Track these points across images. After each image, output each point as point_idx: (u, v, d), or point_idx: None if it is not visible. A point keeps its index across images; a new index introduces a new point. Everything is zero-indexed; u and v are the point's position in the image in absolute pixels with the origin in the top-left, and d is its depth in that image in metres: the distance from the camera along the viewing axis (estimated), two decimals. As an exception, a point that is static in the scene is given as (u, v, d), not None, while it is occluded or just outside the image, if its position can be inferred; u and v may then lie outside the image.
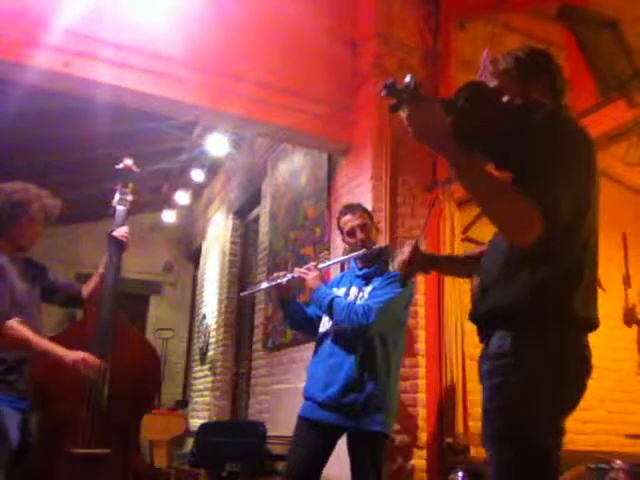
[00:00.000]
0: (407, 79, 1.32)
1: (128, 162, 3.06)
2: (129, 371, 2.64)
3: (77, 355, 2.50)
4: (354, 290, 2.76)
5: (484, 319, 1.50)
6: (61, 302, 2.96)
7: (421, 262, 1.78)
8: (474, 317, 1.54)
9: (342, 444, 2.64)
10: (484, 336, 1.50)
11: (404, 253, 1.76)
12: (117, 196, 3.02)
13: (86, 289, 2.91)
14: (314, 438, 2.60)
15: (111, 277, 2.82)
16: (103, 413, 2.56)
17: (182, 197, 7.92)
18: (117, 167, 3.05)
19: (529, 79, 1.52)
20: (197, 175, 7.18)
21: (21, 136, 5.51)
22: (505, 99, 1.43)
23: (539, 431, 1.38)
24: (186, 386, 8.80)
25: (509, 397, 1.38)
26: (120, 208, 2.99)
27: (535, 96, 1.51)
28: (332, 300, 2.63)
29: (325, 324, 2.78)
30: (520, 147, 1.36)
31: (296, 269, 2.82)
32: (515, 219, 1.32)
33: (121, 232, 2.90)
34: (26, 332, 2.48)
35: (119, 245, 2.89)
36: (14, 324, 2.47)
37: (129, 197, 3.03)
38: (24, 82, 3.51)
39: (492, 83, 1.53)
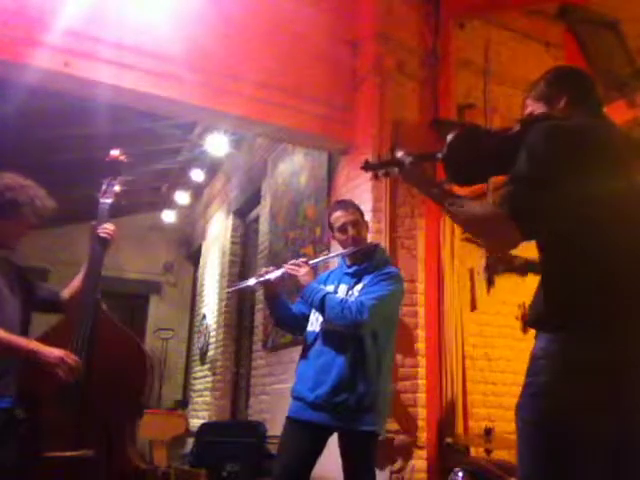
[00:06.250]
0: (400, 155, 1.75)
1: (114, 153, 2.81)
2: (111, 369, 2.50)
3: (59, 353, 2.36)
4: (343, 287, 2.68)
5: (531, 325, 1.54)
6: (39, 309, 2.80)
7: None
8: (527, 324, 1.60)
9: (335, 444, 2.59)
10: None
11: None
12: (102, 189, 2.77)
13: (67, 292, 2.75)
14: (304, 439, 2.54)
15: (92, 277, 2.60)
16: (83, 413, 2.41)
17: (182, 197, 7.93)
18: (107, 159, 2.84)
19: (553, 97, 1.69)
20: (197, 175, 7.19)
21: (21, 136, 5.51)
22: (516, 127, 1.63)
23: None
24: (186, 386, 8.80)
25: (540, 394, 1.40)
26: (103, 202, 2.74)
27: (559, 110, 1.65)
28: (324, 296, 2.55)
29: (313, 323, 2.70)
30: (514, 160, 1.48)
31: (286, 265, 2.71)
32: (484, 231, 1.54)
33: (105, 229, 2.67)
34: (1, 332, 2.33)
35: (102, 243, 2.66)
36: None
37: (115, 190, 2.77)
38: (24, 82, 3.51)
39: (530, 107, 1.73)
